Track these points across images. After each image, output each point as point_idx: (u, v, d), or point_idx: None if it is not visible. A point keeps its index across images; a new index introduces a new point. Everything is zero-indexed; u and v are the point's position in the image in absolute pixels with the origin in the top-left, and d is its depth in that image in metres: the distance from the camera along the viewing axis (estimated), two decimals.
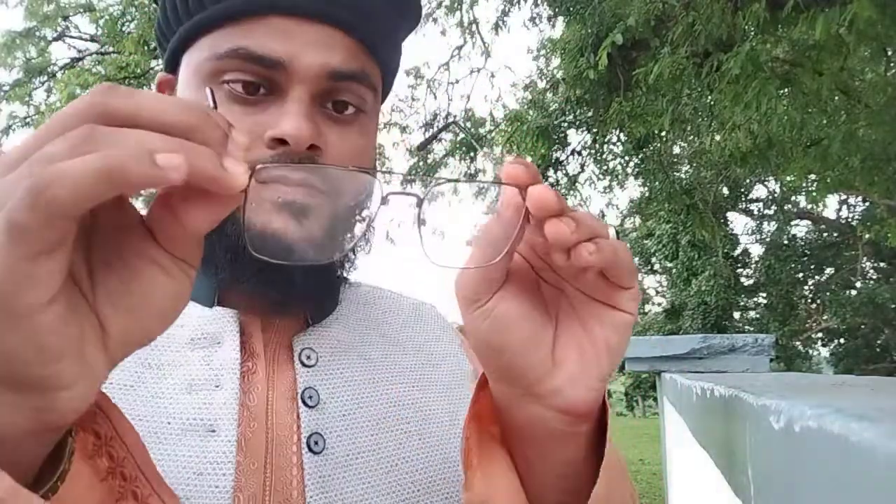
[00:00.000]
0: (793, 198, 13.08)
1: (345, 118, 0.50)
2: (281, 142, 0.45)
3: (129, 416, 0.39)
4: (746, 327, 16.26)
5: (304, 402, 0.47)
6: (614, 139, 7.10)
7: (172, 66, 0.53)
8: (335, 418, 0.48)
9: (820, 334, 17.66)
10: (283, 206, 0.45)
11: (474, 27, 7.52)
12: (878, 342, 16.85)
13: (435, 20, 7.36)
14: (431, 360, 0.58)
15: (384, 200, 0.38)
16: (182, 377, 0.44)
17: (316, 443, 0.46)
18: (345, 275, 0.54)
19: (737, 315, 15.27)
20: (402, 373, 0.55)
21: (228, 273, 0.47)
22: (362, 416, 0.49)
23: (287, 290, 0.47)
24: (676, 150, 8.90)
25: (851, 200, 14.24)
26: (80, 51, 7.34)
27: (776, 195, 13.76)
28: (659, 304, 20.41)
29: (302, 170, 0.46)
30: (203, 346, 0.46)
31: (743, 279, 15.55)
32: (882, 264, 15.65)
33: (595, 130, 6.64)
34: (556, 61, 7.64)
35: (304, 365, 0.49)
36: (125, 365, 0.42)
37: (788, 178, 8.23)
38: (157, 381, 0.44)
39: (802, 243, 16.12)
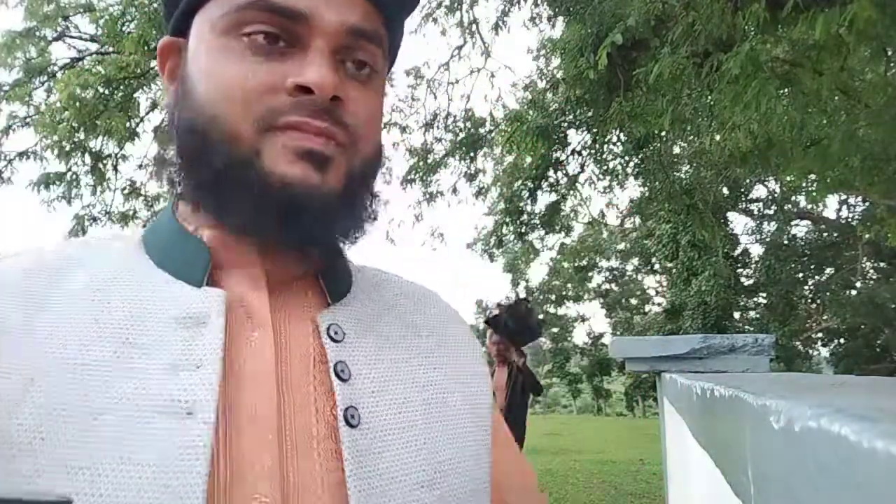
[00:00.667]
0: (793, 198, 13.09)
1: (362, 77, 0.51)
2: (303, 90, 0.46)
3: (106, 396, 0.40)
4: (746, 327, 16.27)
5: (337, 375, 0.47)
6: (614, 139, 7.10)
7: (181, 30, 0.53)
8: (366, 394, 0.48)
9: (820, 334, 17.66)
10: (303, 154, 0.46)
11: (474, 27, 7.52)
12: (878, 342, 16.86)
13: (435, 20, 7.36)
14: (445, 342, 0.58)
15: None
16: (163, 357, 0.43)
17: (352, 416, 0.46)
18: (356, 239, 0.54)
19: (737, 315, 15.27)
20: (420, 354, 0.55)
21: (252, 221, 0.47)
22: (389, 394, 0.50)
23: (308, 232, 0.47)
24: (676, 150, 8.90)
25: (851, 200, 14.24)
26: (80, 51, 7.34)
27: (776, 195, 13.77)
28: (659, 304, 20.42)
29: (323, 118, 0.47)
30: (188, 325, 0.45)
31: (743, 279, 15.55)
32: (882, 264, 15.64)
33: (595, 130, 6.64)
34: (556, 61, 7.65)
35: (332, 340, 0.50)
36: (105, 342, 0.43)
37: (788, 178, 8.24)
38: (136, 361, 0.43)
39: (802, 243, 16.13)
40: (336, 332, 0.50)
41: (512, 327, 4.83)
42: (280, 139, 0.46)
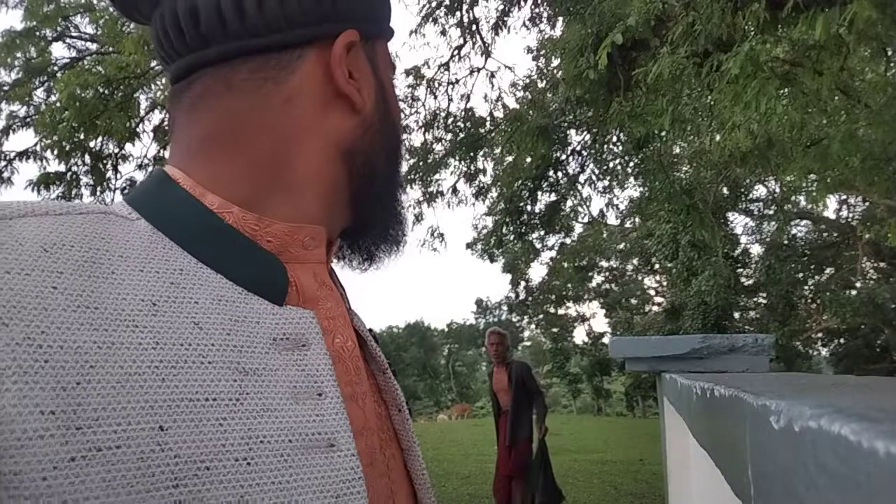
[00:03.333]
0: (793, 198, 13.08)
1: None
2: None
3: (250, 438, 0.36)
4: (746, 327, 16.27)
5: (392, 371, 0.54)
6: (614, 139, 7.11)
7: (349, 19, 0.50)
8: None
9: (820, 334, 17.67)
10: None
11: (474, 27, 7.53)
12: (878, 342, 16.87)
13: (435, 20, 7.36)
14: None
15: None
16: (284, 385, 0.39)
17: (409, 408, 0.54)
18: None
19: (737, 315, 15.27)
20: None
21: (386, 236, 0.55)
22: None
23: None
24: (676, 150, 8.90)
25: (851, 200, 14.26)
26: (80, 51, 7.34)
27: (776, 195, 13.77)
28: (659, 304, 20.43)
29: None
30: (288, 347, 0.42)
31: (743, 279, 15.56)
32: (882, 264, 15.65)
33: (595, 130, 6.65)
34: (556, 61, 7.65)
35: (375, 341, 0.54)
36: (219, 373, 0.37)
37: (788, 178, 8.24)
38: (260, 392, 0.38)
39: (802, 243, 16.14)
40: (374, 335, 0.55)
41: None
42: None
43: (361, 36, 0.50)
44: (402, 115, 8.40)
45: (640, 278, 23.32)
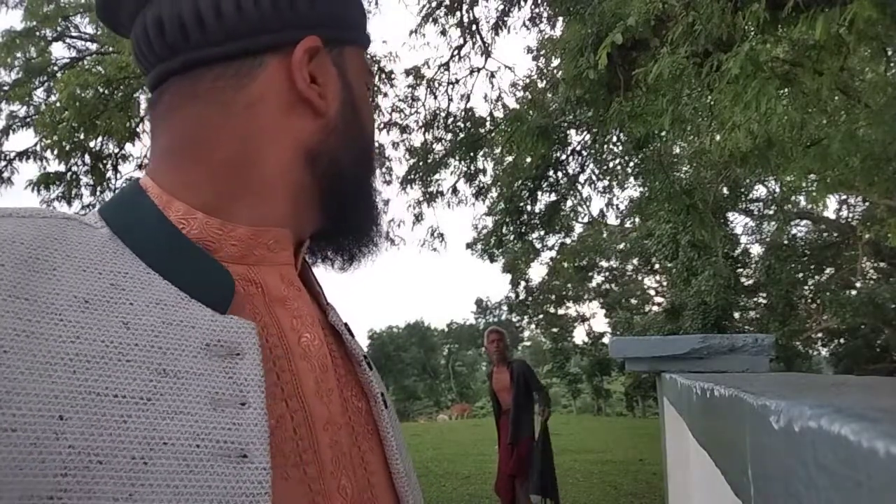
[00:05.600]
0: (793, 198, 13.08)
1: None
2: None
3: (153, 439, 0.35)
4: (746, 327, 16.27)
5: (369, 366, 0.55)
6: (614, 139, 7.11)
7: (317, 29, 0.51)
8: (379, 381, 0.56)
9: (820, 334, 17.68)
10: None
11: (474, 27, 7.53)
12: (878, 342, 16.87)
13: (435, 20, 7.36)
14: None
15: None
16: (203, 390, 0.39)
17: (385, 400, 0.54)
18: None
19: (737, 315, 15.27)
20: None
21: (362, 237, 0.56)
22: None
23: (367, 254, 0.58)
24: (676, 150, 8.90)
25: (851, 200, 14.26)
26: (80, 51, 7.34)
27: (776, 195, 13.77)
28: (659, 304, 20.42)
29: None
30: (221, 354, 0.41)
31: (743, 279, 15.56)
32: (882, 264, 15.66)
33: (595, 130, 6.65)
34: (556, 61, 7.65)
35: (351, 336, 0.56)
36: (136, 372, 0.37)
37: (788, 178, 8.24)
38: (176, 394, 0.38)
39: (802, 243, 16.14)
40: (349, 330, 0.56)
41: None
42: None
43: (327, 42, 0.51)
44: (403, 115, 8.42)
45: (640, 278, 23.32)
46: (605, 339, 26.32)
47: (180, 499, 0.35)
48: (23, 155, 6.93)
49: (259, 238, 0.48)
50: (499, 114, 8.09)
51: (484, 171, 8.74)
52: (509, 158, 7.95)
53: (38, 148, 6.91)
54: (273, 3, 0.49)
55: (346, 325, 0.56)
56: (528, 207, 7.67)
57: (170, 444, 0.36)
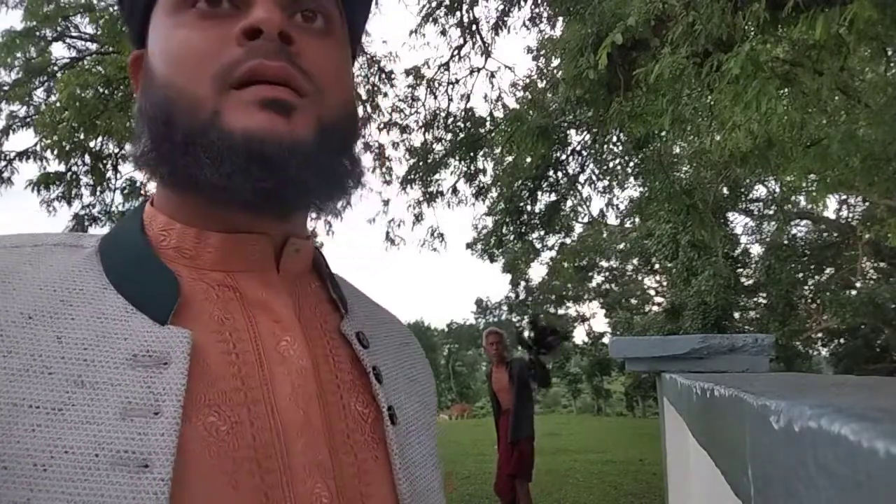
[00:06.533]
0: (793, 198, 13.08)
1: (315, 28, 0.49)
2: (251, 36, 0.45)
3: (55, 445, 0.36)
4: (746, 327, 16.27)
5: (376, 378, 0.52)
6: (614, 139, 7.11)
7: (143, 38, 0.52)
8: (395, 392, 0.53)
9: (820, 334, 17.67)
10: (265, 103, 0.44)
11: (474, 27, 7.52)
12: (878, 342, 16.87)
13: (435, 20, 7.36)
14: (403, 338, 0.63)
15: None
16: (117, 399, 0.39)
17: (392, 415, 0.51)
18: (340, 204, 0.52)
19: (737, 315, 15.27)
20: (399, 351, 0.60)
21: (223, 186, 0.43)
22: (403, 390, 0.55)
23: (286, 189, 0.45)
24: (676, 150, 8.90)
25: (851, 200, 14.26)
26: (80, 51, 7.34)
27: (776, 195, 13.77)
28: (659, 304, 20.42)
29: (278, 58, 0.45)
30: (147, 364, 0.41)
31: (743, 279, 15.55)
32: (882, 264, 15.66)
33: (595, 130, 6.65)
34: (556, 61, 7.65)
35: (362, 346, 0.53)
36: (55, 383, 0.38)
37: (788, 178, 8.24)
38: (87, 404, 0.38)
39: (802, 243, 16.13)
40: (363, 339, 0.53)
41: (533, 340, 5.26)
42: (239, 95, 0.44)
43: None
44: (403, 115, 8.41)
45: (640, 278, 23.31)
46: (605, 339, 26.33)
47: (75, 503, 0.35)
48: (23, 155, 6.93)
49: (234, 244, 0.48)
50: (499, 114, 8.09)
51: (484, 171, 8.74)
52: (509, 158, 7.95)
53: (38, 148, 6.91)
54: None
55: (359, 333, 0.53)
56: (528, 207, 7.67)
57: (70, 453, 0.36)
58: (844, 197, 13.68)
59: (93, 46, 7.18)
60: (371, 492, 0.47)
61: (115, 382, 0.40)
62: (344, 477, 0.46)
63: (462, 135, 7.99)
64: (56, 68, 7.02)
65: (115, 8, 6.32)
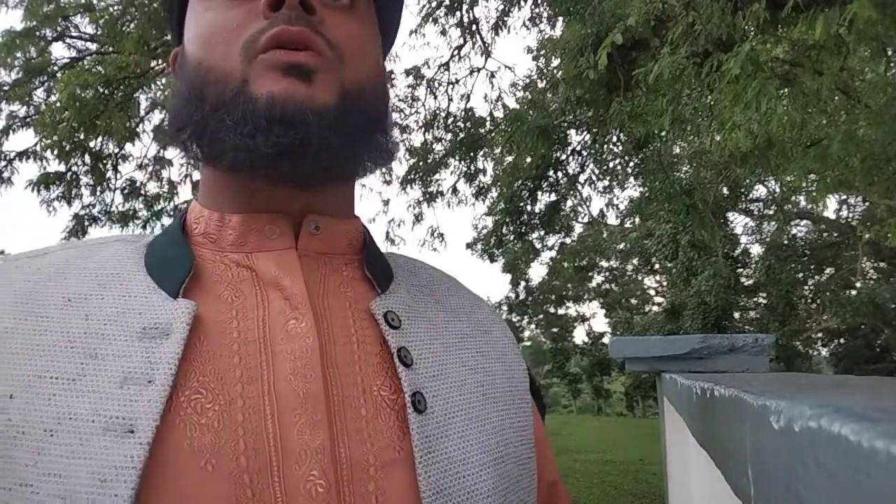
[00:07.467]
0: (793, 198, 13.07)
1: (340, 5, 0.51)
2: (275, 7, 0.47)
3: (63, 414, 0.39)
4: (746, 327, 16.26)
5: (401, 361, 0.47)
6: (614, 139, 7.10)
7: (181, 35, 0.55)
8: (428, 378, 0.48)
9: (820, 334, 17.67)
10: (287, 68, 0.45)
11: (474, 27, 7.52)
12: (878, 342, 16.87)
13: (435, 20, 7.35)
14: (481, 326, 0.59)
15: None
16: (119, 370, 0.41)
17: (419, 401, 0.46)
18: (364, 171, 0.52)
19: (737, 315, 15.25)
20: (464, 339, 0.55)
21: (245, 151, 0.44)
22: (447, 378, 0.50)
23: (308, 155, 0.45)
24: (676, 150, 8.90)
25: (851, 200, 14.25)
26: (80, 51, 7.33)
27: (776, 195, 13.75)
28: (659, 304, 20.42)
29: (299, 23, 0.46)
30: (153, 336, 0.43)
31: (743, 279, 15.54)
32: (882, 264, 15.65)
33: (595, 130, 6.64)
34: (556, 61, 7.64)
35: (390, 326, 0.49)
36: (75, 356, 0.41)
37: (788, 178, 8.23)
38: (95, 374, 0.41)
39: (802, 243, 16.12)
40: (393, 319, 0.50)
41: None
42: (264, 60, 0.46)
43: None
44: (403, 115, 8.41)
45: (640, 278, 23.31)
46: (605, 339, 26.32)
47: (64, 467, 0.37)
48: (23, 155, 6.92)
49: (251, 224, 0.50)
50: (499, 114, 8.10)
51: (484, 171, 8.75)
52: (509, 158, 7.94)
53: (38, 148, 6.91)
54: None
55: (389, 313, 0.50)
56: (528, 207, 7.66)
57: (74, 419, 0.39)
58: (844, 197, 13.68)
59: (93, 46, 7.17)
60: (386, 486, 0.42)
61: (121, 354, 0.42)
62: (352, 466, 0.42)
63: (462, 135, 7.99)
64: (56, 68, 7.02)
65: (115, 8, 6.33)
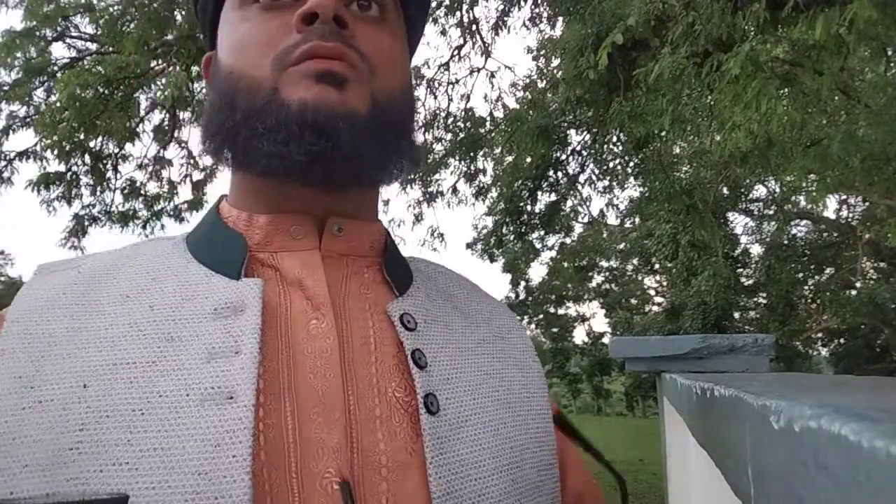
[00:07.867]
0: (793, 198, 13.07)
1: (370, 16, 0.53)
2: (308, 21, 0.48)
3: (150, 393, 0.41)
4: (746, 327, 16.26)
5: (415, 363, 0.48)
6: (614, 139, 7.10)
7: (214, 40, 0.58)
8: (442, 381, 0.49)
9: (820, 334, 17.66)
10: (319, 76, 0.47)
11: (474, 27, 7.52)
12: (878, 342, 16.86)
13: (435, 20, 7.35)
14: (500, 332, 0.59)
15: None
16: (202, 347, 0.43)
17: (432, 403, 0.46)
18: (393, 177, 0.53)
19: (737, 315, 15.25)
20: (481, 344, 0.56)
21: (277, 157, 0.46)
22: (462, 381, 0.50)
23: (338, 160, 0.46)
24: (676, 150, 8.90)
25: (851, 200, 14.24)
26: (80, 51, 7.33)
27: (776, 195, 13.75)
28: (659, 304, 20.42)
29: (333, 39, 0.48)
30: (225, 315, 0.45)
31: (743, 279, 15.54)
32: (882, 264, 15.65)
33: (595, 130, 6.64)
34: (556, 61, 7.64)
35: (406, 328, 0.50)
36: (148, 342, 0.43)
37: (788, 178, 8.23)
38: (177, 355, 0.43)
39: (802, 243, 16.12)
40: (409, 321, 0.51)
41: None
42: (296, 70, 0.47)
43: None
44: None
45: (640, 278, 23.31)
46: (605, 339, 26.31)
47: (167, 438, 0.39)
48: (23, 155, 6.92)
49: (278, 224, 0.51)
50: (499, 114, 8.09)
51: (484, 171, 8.75)
52: (509, 158, 7.94)
53: (38, 148, 6.90)
54: None
55: (405, 315, 0.51)
56: (528, 207, 7.66)
57: (164, 396, 0.41)
58: (844, 197, 13.67)
59: (93, 46, 7.17)
60: (397, 487, 0.43)
61: (199, 333, 0.44)
62: (364, 466, 0.43)
63: (462, 135, 7.99)
64: (56, 68, 7.01)
65: (116, 8, 6.33)
